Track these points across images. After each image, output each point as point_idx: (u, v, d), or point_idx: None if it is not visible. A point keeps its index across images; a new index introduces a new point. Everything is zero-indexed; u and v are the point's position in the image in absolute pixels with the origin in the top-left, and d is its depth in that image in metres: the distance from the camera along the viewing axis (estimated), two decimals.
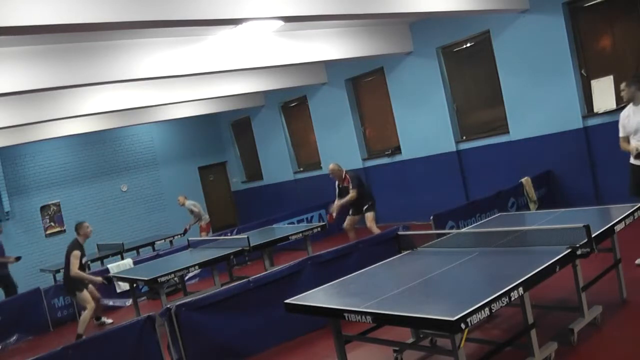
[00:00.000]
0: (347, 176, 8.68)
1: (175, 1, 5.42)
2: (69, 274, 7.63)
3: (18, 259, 10.17)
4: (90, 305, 7.66)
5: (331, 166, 8.81)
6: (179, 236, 12.56)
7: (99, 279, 7.79)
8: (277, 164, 14.73)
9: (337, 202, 8.68)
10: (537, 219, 5.54)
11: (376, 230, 8.38)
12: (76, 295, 7.70)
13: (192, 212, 12.31)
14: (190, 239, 9.81)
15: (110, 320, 8.41)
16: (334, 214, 8.75)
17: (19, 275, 12.89)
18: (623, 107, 6.05)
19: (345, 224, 8.79)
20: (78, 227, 7.85)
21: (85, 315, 7.61)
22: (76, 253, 7.60)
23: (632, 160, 5.80)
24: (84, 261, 7.77)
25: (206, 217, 12.65)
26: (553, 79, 8.44)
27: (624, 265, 4.97)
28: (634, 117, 5.72)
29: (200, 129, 16.31)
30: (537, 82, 8.67)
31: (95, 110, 9.75)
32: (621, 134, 5.89)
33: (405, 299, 3.73)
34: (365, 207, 8.59)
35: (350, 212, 8.78)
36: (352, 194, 8.47)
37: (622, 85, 5.81)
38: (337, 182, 8.83)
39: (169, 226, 14.83)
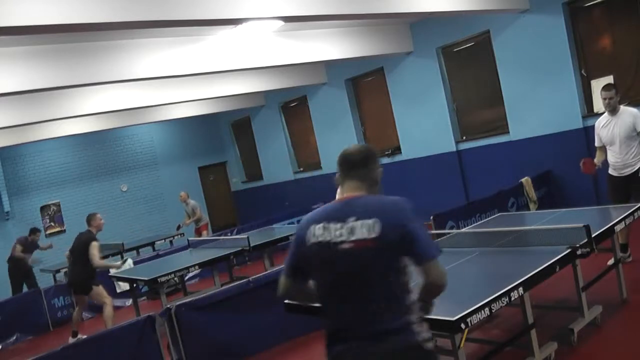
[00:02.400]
0: None
1: (175, 1, 5.42)
2: (83, 271, 7.18)
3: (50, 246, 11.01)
4: (109, 298, 7.35)
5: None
6: (179, 236, 12.55)
7: (118, 263, 7.83)
8: (277, 164, 14.73)
9: None
10: (537, 219, 5.54)
11: None
12: (93, 290, 7.26)
13: (194, 212, 12.21)
14: (190, 239, 9.82)
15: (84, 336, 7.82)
16: None
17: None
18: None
19: None
20: (90, 218, 7.43)
21: (108, 310, 7.22)
22: (96, 243, 7.19)
23: (610, 171, 5.79)
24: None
25: (206, 218, 12.61)
26: (553, 79, 8.44)
27: (624, 265, 4.97)
28: (611, 128, 5.61)
29: (200, 129, 16.30)
30: (537, 82, 8.67)
31: (95, 110, 9.75)
32: (597, 144, 5.85)
33: None
34: None
35: None
36: None
37: (610, 93, 5.53)
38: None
39: (169, 226, 14.81)
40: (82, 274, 7.25)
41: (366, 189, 2.39)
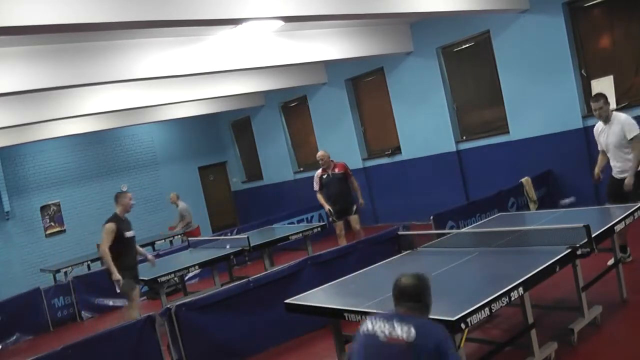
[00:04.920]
0: (340, 162, 8.13)
1: (175, 1, 5.42)
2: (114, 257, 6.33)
3: None
4: (136, 302, 6.56)
5: (320, 153, 8.22)
6: (179, 236, 12.54)
7: (151, 258, 6.88)
8: (277, 164, 14.73)
9: (321, 197, 8.10)
10: (537, 219, 5.55)
11: (362, 235, 7.85)
12: (125, 282, 6.39)
13: (182, 216, 12.08)
14: (190, 239, 9.82)
15: None
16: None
17: (19, 275, 12.94)
18: (624, 107, 6.05)
19: (338, 232, 8.19)
20: (118, 196, 6.74)
21: (132, 314, 6.32)
22: (109, 226, 6.34)
23: (613, 173, 5.82)
24: (127, 235, 6.51)
25: (194, 223, 12.48)
26: (553, 78, 8.44)
27: (624, 265, 4.97)
28: (605, 136, 5.75)
29: (200, 129, 16.30)
30: (537, 82, 8.67)
31: (95, 110, 9.75)
32: (600, 148, 5.99)
33: None
34: (354, 209, 8.10)
35: (336, 217, 8.12)
36: (355, 183, 8.12)
37: (598, 104, 5.65)
38: (320, 173, 8.17)
39: (169, 226, 14.82)
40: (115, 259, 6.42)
41: (416, 313, 2.79)
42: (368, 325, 2.79)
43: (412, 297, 2.81)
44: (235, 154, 16.73)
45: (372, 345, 2.70)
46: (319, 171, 8.22)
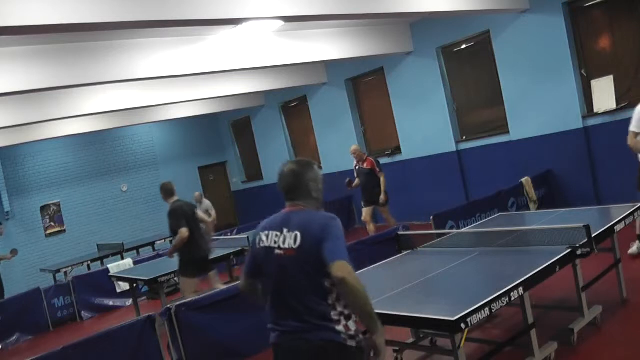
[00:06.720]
0: (369, 158, 8.90)
1: (175, 1, 5.42)
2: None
3: (14, 252, 10.13)
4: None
5: (353, 147, 9.05)
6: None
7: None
8: (277, 164, 14.62)
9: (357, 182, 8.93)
10: (537, 219, 5.54)
11: (393, 222, 8.58)
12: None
13: (208, 213, 12.05)
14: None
15: None
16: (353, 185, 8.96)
17: (19, 275, 12.94)
18: (624, 107, 5.95)
19: (363, 217, 9.03)
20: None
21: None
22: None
23: None
24: None
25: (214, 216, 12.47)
26: (553, 78, 8.44)
27: (624, 265, 4.97)
28: None
29: (200, 129, 16.30)
30: (537, 82, 8.67)
31: (95, 110, 9.75)
32: (633, 129, 5.39)
33: (405, 299, 3.73)
34: (380, 201, 8.72)
35: (363, 203, 8.95)
36: (382, 178, 8.66)
37: None
38: (355, 164, 9.03)
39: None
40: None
41: (303, 203, 2.71)
42: (262, 237, 2.72)
43: (295, 186, 2.70)
44: (235, 154, 16.73)
45: (272, 259, 2.62)
46: (354, 162, 9.10)
